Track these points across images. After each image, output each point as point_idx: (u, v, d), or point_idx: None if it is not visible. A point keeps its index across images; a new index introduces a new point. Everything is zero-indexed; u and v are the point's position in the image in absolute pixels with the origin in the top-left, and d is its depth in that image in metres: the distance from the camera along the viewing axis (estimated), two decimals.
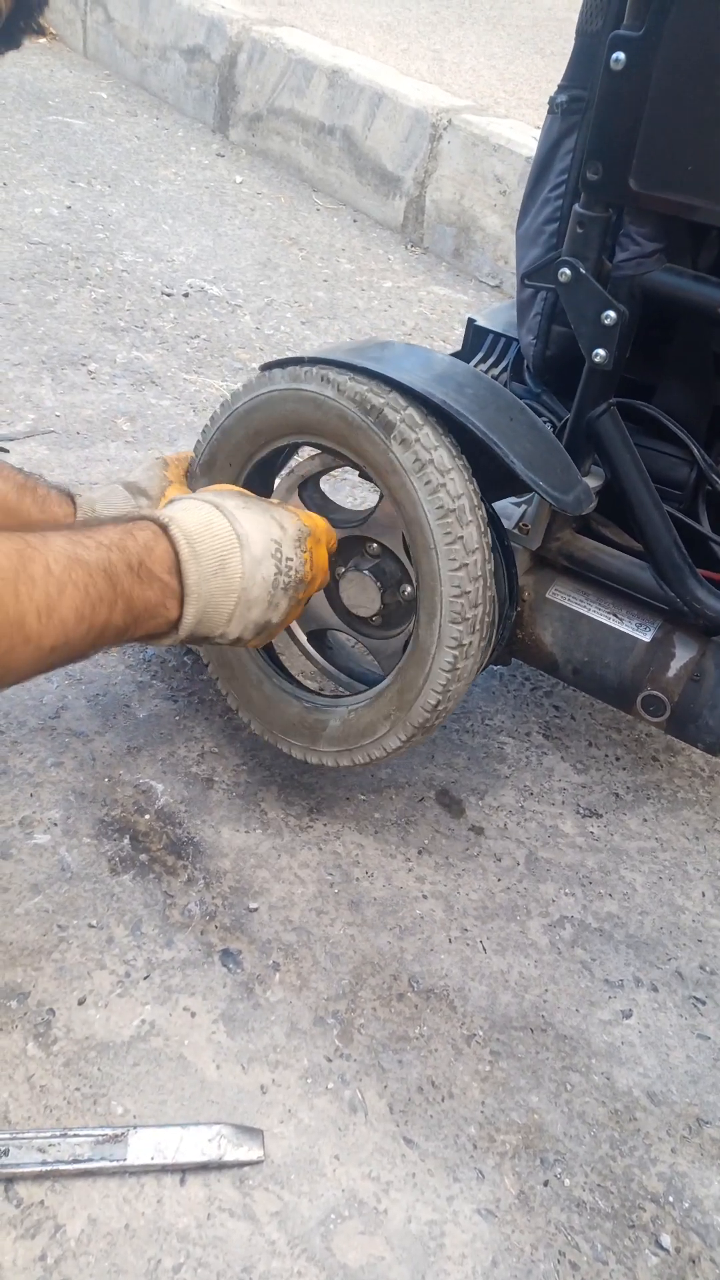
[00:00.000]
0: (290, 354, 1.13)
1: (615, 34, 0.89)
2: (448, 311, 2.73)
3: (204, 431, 1.18)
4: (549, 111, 1.10)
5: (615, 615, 1.17)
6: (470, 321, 1.40)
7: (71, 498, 1.13)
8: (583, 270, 1.01)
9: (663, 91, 0.89)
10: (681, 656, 1.15)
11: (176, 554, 0.85)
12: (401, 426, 1.00)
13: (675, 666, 1.15)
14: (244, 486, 1.20)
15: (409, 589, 1.14)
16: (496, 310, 1.46)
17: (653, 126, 0.90)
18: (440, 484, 1.00)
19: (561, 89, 1.08)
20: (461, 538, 1.01)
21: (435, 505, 1.00)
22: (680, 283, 1.00)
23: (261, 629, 0.97)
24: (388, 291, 2.77)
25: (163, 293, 2.46)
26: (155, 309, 2.38)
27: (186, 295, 2.48)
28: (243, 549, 0.89)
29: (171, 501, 0.96)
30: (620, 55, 0.89)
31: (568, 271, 1.02)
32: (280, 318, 2.48)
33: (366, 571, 1.14)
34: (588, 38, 1.02)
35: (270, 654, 1.24)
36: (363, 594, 1.16)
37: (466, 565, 1.01)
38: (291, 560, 0.96)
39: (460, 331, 2.71)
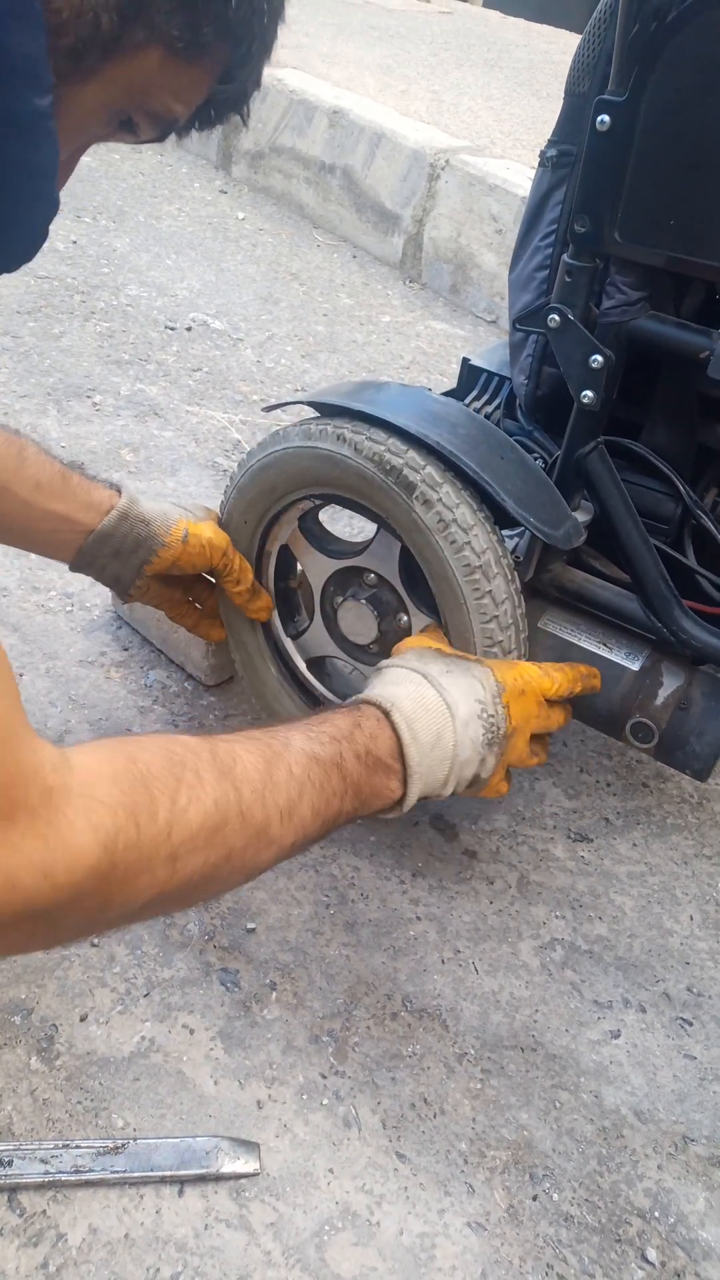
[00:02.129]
0: (290, 389, 1.17)
1: (600, 98, 0.94)
2: (445, 346, 2.79)
3: (225, 492, 1.22)
4: (539, 164, 1.16)
5: (605, 644, 1.21)
6: (465, 361, 1.45)
7: (119, 486, 1.18)
8: (571, 317, 1.06)
9: (645, 152, 0.94)
10: (669, 685, 1.18)
11: (399, 739, 0.90)
12: (423, 487, 1.02)
13: (663, 695, 1.18)
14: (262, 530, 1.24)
15: (405, 618, 1.18)
16: (490, 350, 1.51)
17: (636, 184, 0.96)
18: (465, 541, 1.02)
19: (552, 143, 1.13)
20: (490, 591, 1.04)
21: (462, 563, 1.03)
22: (663, 330, 1.05)
23: (471, 783, 1.01)
24: (386, 326, 2.84)
25: (166, 326, 2.52)
26: (159, 342, 2.44)
27: (189, 329, 2.54)
28: (453, 718, 0.94)
29: (381, 670, 1.01)
30: (605, 117, 0.94)
31: (557, 318, 1.07)
32: (281, 351, 2.54)
33: (364, 601, 1.18)
34: (576, 97, 1.07)
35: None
36: (360, 622, 1.20)
37: (497, 617, 1.05)
38: (494, 717, 0.99)
39: (457, 366, 2.77)
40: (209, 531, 1.20)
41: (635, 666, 1.19)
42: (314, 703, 1.31)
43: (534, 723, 1.03)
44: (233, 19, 0.63)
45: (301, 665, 1.31)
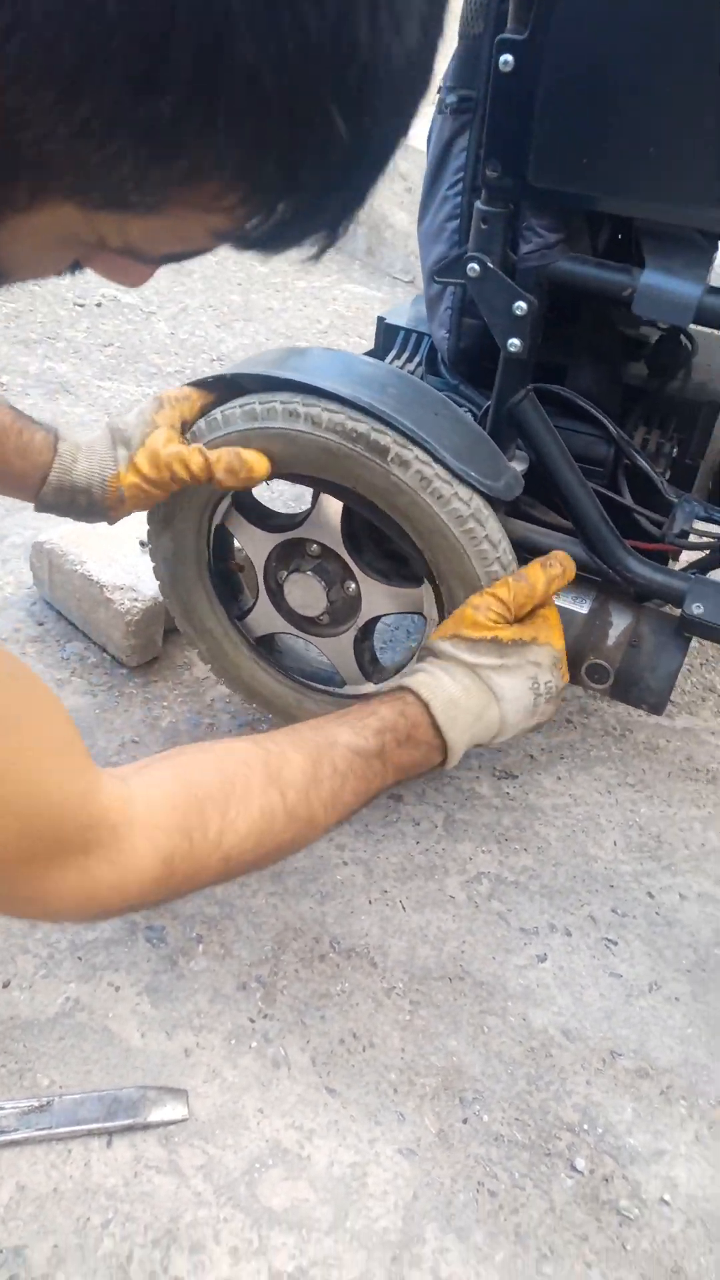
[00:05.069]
0: (206, 359, 1.11)
1: (501, 37, 0.92)
2: (362, 309, 2.78)
3: None
4: (437, 111, 1.14)
5: None
6: (380, 320, 1.43)
7: (55, 442, 1.10)
8: (490, 264, 1.04)
9: (550, 90, 0.91)
10: (618, 624, 1.18)
11: (436, 724, 0.97)
12: (396, 448, 1.00)
13: (614, 635, 1.18)
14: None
15: (352, 585, 1.16)
16: (402, 306, 1.49)
17: (545, 124, 0.94)
18: (452, 493, 1.01)
19: (449, 89, 1.11)
20: (486, 535, 1.03)
21: (454, 515, 1.01)
22: (584, 270, 1.04)
23: (526, 729, 1.07)
24: (302, 291, 2.82)
25: (75, 303, 2.48)
26: (68, 320, 2.40)
27: (99, 305, 2.50)
28: (499, 701, 1.00)
29: (433, 654, 1.02)
30: (508, 57, 0.92)
31: (476, 267, 1.04)
32: (195, 322, 2.51)
33: (310, 572, 1.16)
34: (471, 40, 1.05)
35: None
36: (308, 594, 1.17)
37: (498, 558, 1.04)
38: (550, 681, 1.03)
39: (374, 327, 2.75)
40: (143, 468, 1.09)
41: (584, 610, 1.19)
42: (288, 675, 1.27)
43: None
44: (217, 159, 0.39)
45: (245, 649, 1.28)
